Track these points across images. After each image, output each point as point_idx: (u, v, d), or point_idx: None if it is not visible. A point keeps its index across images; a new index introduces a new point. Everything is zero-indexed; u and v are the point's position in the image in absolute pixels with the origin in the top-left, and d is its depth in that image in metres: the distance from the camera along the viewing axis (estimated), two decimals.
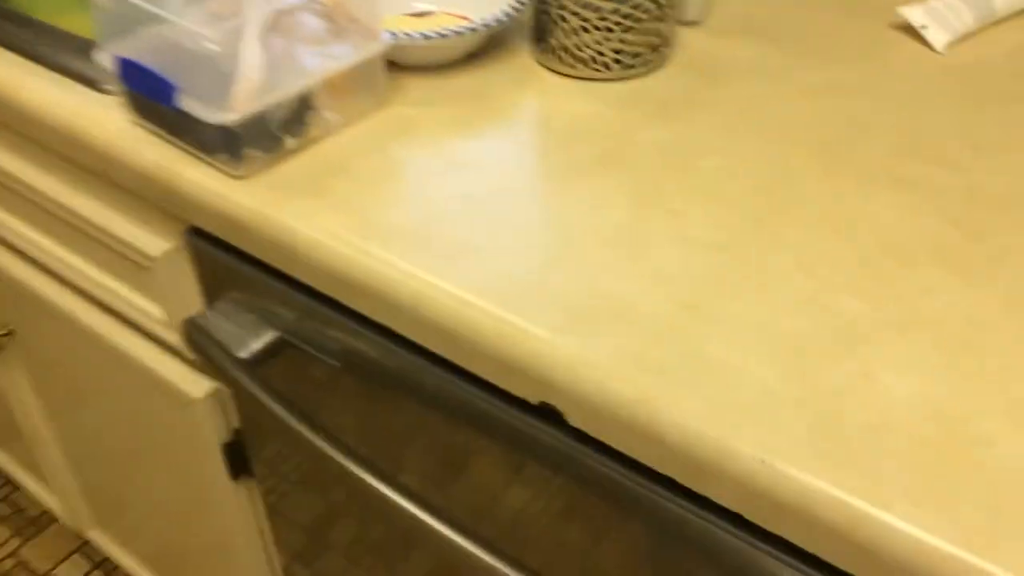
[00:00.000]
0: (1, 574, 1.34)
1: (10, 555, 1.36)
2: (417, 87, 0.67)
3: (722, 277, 0.50)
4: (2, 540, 1.38)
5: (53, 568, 1.35)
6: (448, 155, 0.60)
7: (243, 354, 0.66)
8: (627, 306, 0.48)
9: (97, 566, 1.35)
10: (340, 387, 0.64)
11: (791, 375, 0.44)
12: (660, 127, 0.63)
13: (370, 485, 0.56)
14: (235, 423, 0.80)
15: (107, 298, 0.79)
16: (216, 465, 0.82)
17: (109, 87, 0.67)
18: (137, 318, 0.77)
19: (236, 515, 0.86)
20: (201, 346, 0.65)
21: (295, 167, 0.59)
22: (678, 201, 0.56)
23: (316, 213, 0.55)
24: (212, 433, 0.79)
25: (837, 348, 0.46)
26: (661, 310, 0.48)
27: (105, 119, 0.64)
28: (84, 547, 1.37)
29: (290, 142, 0.60)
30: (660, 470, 0.44)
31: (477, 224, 0.54)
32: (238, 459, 0.81)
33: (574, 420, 0.47)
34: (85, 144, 0.65)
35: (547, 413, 0.49)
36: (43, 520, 1.41)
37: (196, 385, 0.77)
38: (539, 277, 0.50)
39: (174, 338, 0.75)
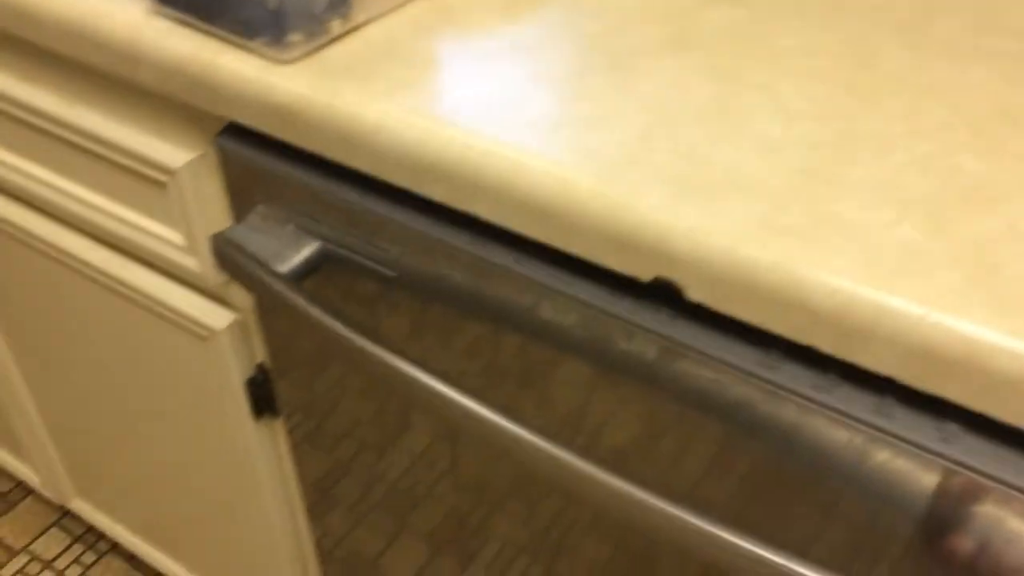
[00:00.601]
0: None
1: None
2: None
3: (832, 144, 0.47)
4: None
5: (30, 543, 1.27)
6: (505, 38, 0.56)
7: (282, 269, 0.60)
8: (740, 175, 0.45)
9: (78, 539, 1.27)
10: (393, 304, 0.59)
11: (933, 231, 0.41)
12: (726, 8, 0.59)
13: (455, 402, 0.51)
14: (258, 356, 0.74)
15: (111, 227, 0.73)
16: (236, 405, 0.76)
17: None
18: (149, 245, 0.71)
19: (256, 459, 0.81)
20: (234, 262, 0.60)
21: (342, 51, 0.54)
22: (764, 77, 0.52)
23: (376, 95, 0.50)
24: (235, 368, 0.74)
25: (973, 206, 0.43)
26: (777, 177, 0.45)
27: (120, 10, 0.58)
28: (63, 520, 1.30)
29: (335, 25, 0.55)
30: (803, 339, 0.41)
31: (555, 103, 0.50)
32: (261, 396, 0.75)
33: (696, 293, 0.43)
34: (98, 40, 0.58)
35: (659, 291, 0.45)
36: (13, 495, 1.33)
37: (218, 316, 0.71)
38: (639, 150, 0.46)
39: (193, 264, 0.69)
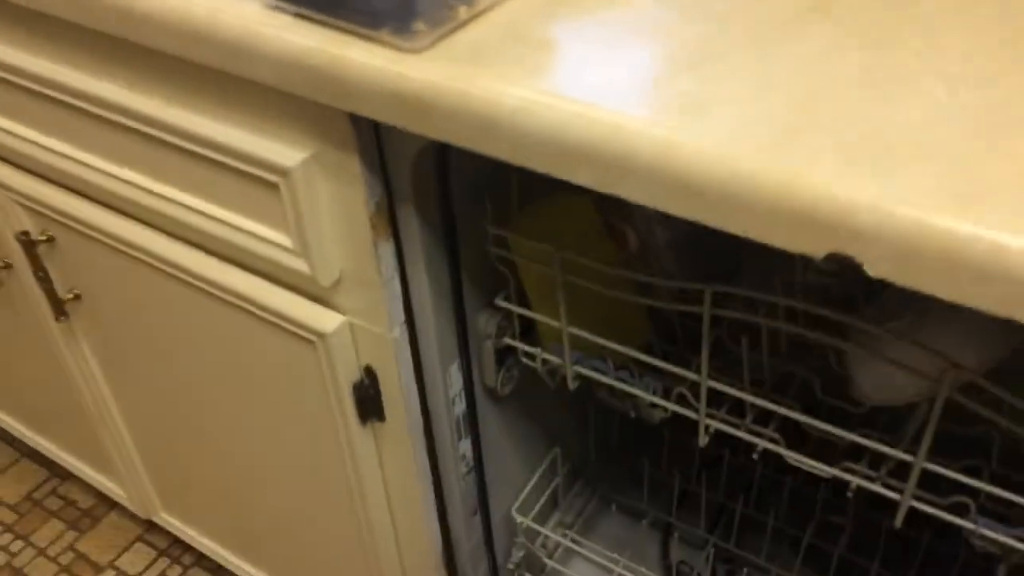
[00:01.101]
0: (61, 569, 1.26)
1: (67, 548, 1.28)
2: None
3: (1003, 105, 0.44)
4: (57, 535, 1.30)
5: (115, 559, 1.27)
6: (631, 18, 0.54)
7: None
8: (914, 141, 0.42)
9: (162, 553, 1.27)
10: None
11: None
12: None
13: None
14: (365, 360, 0.73)
15: (217, 232, 0.72)
16: (342, 409, 0.75)
17: None
18: (256, 249, 0.70)
19: (361, 464, 0.79)
20: None
21: (469, 37, 0.53)
22: (916, 41, 0.50)
23: (511, 80, 0.49)
24: (341, 373, 0.72)
25: None
26: (955, 142, 0.42)
27: (234, 6, 0.57)
28: (146, 535, 1.30)
29: (462, 11, 0.53)
30: (1004, 312, 0.38)
31: (701, 81, 0.48)
32: (368, 399, 0.74)
33: (877, 269, 0.41)
34: (212, 36, 0.57)
35: (835, 266, 0.43)
36: (97, 511, 1.33)
37: (326, 319, 0.70)
38: (800, 120, 0.44)
39: (303, 266, 0.68)
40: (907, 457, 0.56)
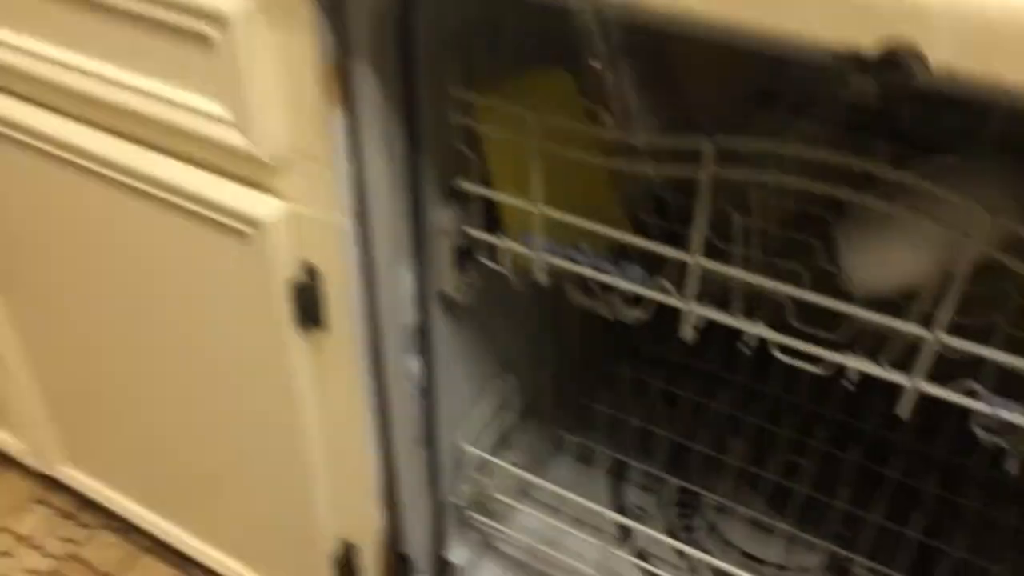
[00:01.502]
0: None
1: None
2: None
3: None
4: None
5: (8, 521, 1.14)
6: None
7: None
8: None
9: (65, 515, 1.15)
10: None
11: None
12: None
13: None
14: (309, 257, 0.65)
15: (136, 107, 0.62)
16: (277, 315, 0.67)
17: None
18: (183, 124, 0.61)
19: (296, 381, 0.71)
20: None
21: None
22: None
23: None
24: (279, 269, 0.64)
25: None
26: None
27: None
28: (47, 493, 1.17)
29: None
30: None
31: None
32: (307, 302, 0.66)
33: (940, 54, 0.35)
34: None
35: (885, 64, 0.37)
36: None
37: (263, 204, 0.62)
38: None
39: (240, 141, 0.59)
40: (923, 332, 0.51)
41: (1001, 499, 0.88)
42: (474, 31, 0.61)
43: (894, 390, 0.55)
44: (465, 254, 0.69)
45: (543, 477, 0.91)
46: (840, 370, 0.56)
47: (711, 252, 0.62)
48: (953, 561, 0.81)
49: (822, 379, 0.95)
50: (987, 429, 0.56)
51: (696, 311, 0.58)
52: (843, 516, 0.89)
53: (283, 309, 0.66)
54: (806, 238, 0.67)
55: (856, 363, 0.55)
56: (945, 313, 0.50)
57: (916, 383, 0.53)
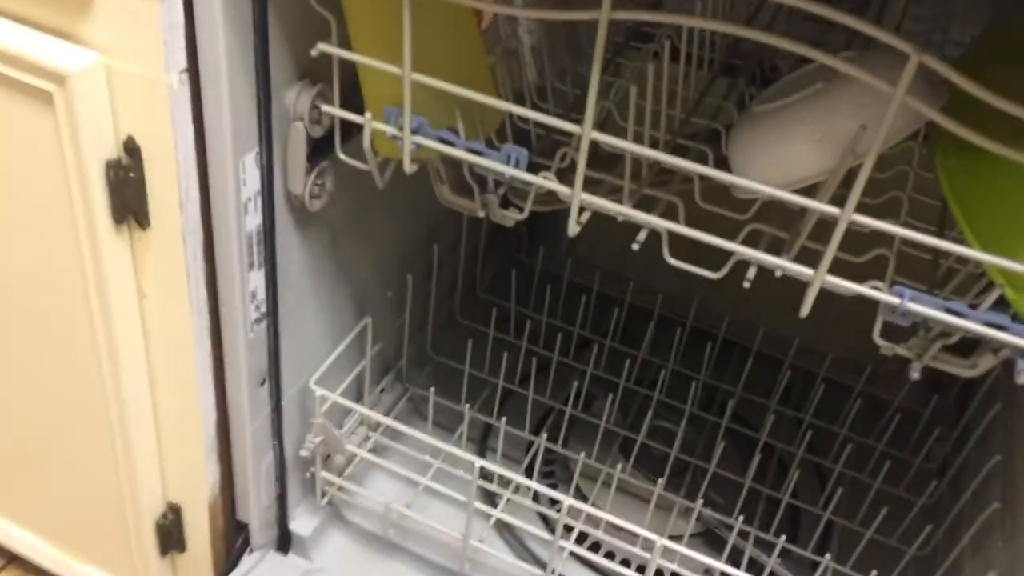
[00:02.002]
0: None
1: None
2: None
3: None
4: None
5: None
6: None
7: None
8: None
9: None
10: None
11: None
12: None
13: None
14: (127, 130, 0.54)
15: None
16: (88, 206, 0.55)
17: None
18: None
19: (113, 296, 0.59)
20: None
21: None
22: None
23: None
24: (91, 144, 0.53)
25: None
26: None
27: None
28: None
29: None
30: None
31: None
32: (124, 188, 0.55)
33: None
34: None
35: None
36: None
37: (71, 55, 0.51)
38: None
39: None
40: (833, 210, 0.46)
41: (868, 460, 0.86)
42: None
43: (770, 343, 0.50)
44: (320, 149, 0.60)
45: (401, 440, 0.82)
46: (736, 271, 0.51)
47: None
48: (823, 522, 0.78)
49: (692, 341, 0.90)
50: (889, 338, 0.52)
51: (585, 199, 0.51)
52: (716, 481, 0.84)
53: (98, 200, 0.55)
54: (698, 145, 0.62)
55: (758, 256, 0.49)
56: (856, 192, 0.45)
57: (821, 276, 0.48)
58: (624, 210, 0.51)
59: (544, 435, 0.79)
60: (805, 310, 0.49)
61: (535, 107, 0.66)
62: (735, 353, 0.97)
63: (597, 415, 0.90)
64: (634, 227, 0.53)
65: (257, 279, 0.62)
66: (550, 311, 0.99)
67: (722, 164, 0.56)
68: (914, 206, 0.60)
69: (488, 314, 0.93)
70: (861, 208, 0.46)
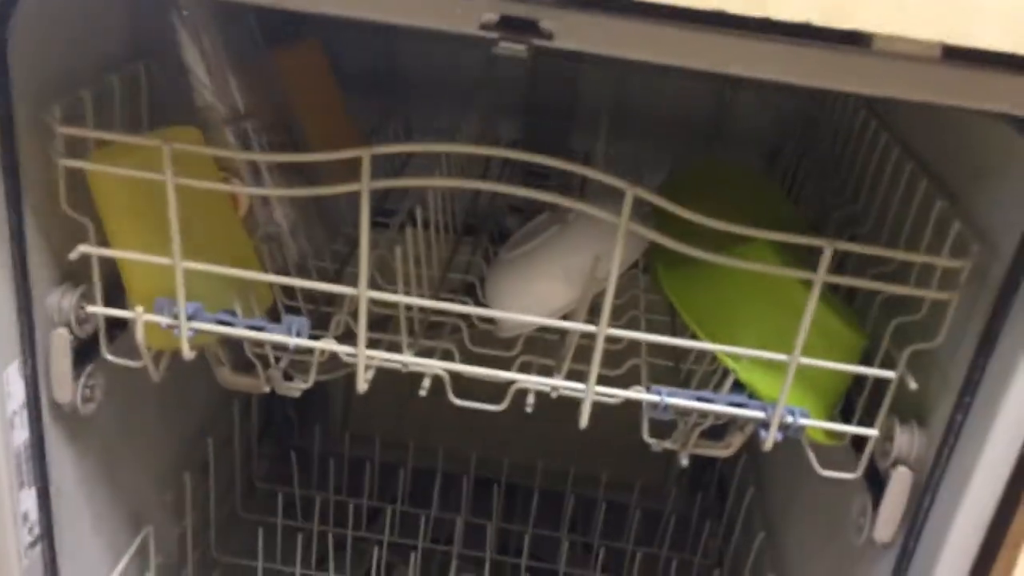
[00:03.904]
0: None
1: None
2: None
3: None
4: None
5: None
6: None
7: None
8: None
9: None
10: None
11: None
12: None
13: None
14: None
15: None
16: None
17: None
18: None
19: None
20: None
21: None
22: None
23: None
24: None
25: None
26: None
27: None
28: None
29: None
30: None
31: None
32: None
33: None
34: None
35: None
36: None
37: None
38: None
39: None
40: (590, 328, 0.53)
41: (656, 568, 0.93)
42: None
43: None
44: (88, 351, 0.59)
45: None
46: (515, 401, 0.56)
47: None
48: None
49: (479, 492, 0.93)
50: (656, 435, 0.59)
51: (369, 355, 0.54)
52: None
53: None
54: (458, 298, 0.68)
55: (535, 380, 0.55)
56: (607, 304, 0.52)
57: (592, 389, 0.54)
58: (409, 359, 0.55)
59: None
60: (583, 422, 0.55)
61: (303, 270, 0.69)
62: (519, 495, 1.01)
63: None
64: (412, 384, 0.57)
65: (28, 499, 0.58)
66: (335, 488, 0.99)
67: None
68: (648, 324, 0.69)
69: (269, 506, 0.91)
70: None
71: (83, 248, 0.53)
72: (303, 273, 0.71)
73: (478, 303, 0.66)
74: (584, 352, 0.55)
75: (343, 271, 0.74)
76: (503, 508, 1.00)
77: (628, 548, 0.97)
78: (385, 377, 0.57)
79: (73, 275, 0.57)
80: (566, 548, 0.92)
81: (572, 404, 0.55)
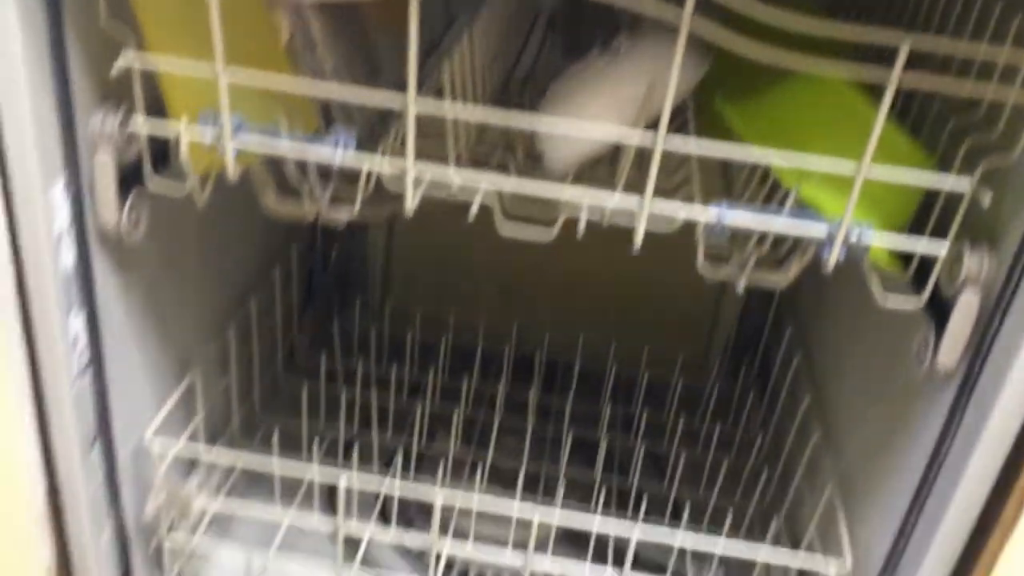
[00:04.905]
0: None
1: None
2: None
3: None
4: None
5: None
6: None
7: None
8: None
9: None
10: None
11: None
12: None
13: None
14: None
15: None
16: None
17: None
18: None
19: None
20: None
21: None
22: None
23: None
24: None
25: None
26: None
27: None
28: None
29: None
30: None
31: None
32: None
33: None
34: None
35: None
36: None
37: None
38: None
39: None
40: (648, 141, 0.51)
41: (696, 441, 0.92)
42: None
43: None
44: (133, 178, 0.58)
45: (253, 494, 0.78)
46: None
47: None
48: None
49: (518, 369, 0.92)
50: (713, 259, 0.57)
51: (418, 172, 0.53)
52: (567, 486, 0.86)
53: None
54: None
55: (590, 196, 0.53)
56: (664, 119, 0.50)
57: (648, 204, 0.52)
58: (458, 177, 0.53)
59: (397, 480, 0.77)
60: (638, 241, 0.53)
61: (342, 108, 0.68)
62: (559, 370, 1.01)
63: (441, 448, 0.90)
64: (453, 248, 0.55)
65: (78, 323, 0.58)
66: (376, 359, 0.99)
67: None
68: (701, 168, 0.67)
69: (312, 376, 0.92)
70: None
71: (124, 61, 0.52)
72: (344, 115, 0.70)
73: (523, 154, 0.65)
74: (635, 185, 0.53)
75: (386, 121, 0.72)
76: (543, 383, 1.00)
77: (668, 420, 0.96)
78: (424, 240, 0.55)
79: (115, 96, 0.56)
80: (606, 416, 0.92)
81: (618, 264, 0.53)
